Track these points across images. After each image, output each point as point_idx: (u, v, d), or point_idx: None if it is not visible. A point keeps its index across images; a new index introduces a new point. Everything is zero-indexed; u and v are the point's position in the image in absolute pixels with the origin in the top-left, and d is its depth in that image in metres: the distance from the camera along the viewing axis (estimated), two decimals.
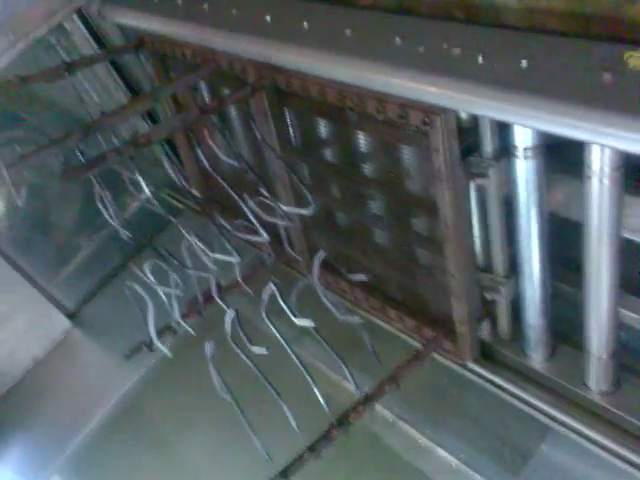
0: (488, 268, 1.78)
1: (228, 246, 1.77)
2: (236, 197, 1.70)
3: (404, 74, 1.45)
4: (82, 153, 1.81)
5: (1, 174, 1.69)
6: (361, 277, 1.71)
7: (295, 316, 1.59)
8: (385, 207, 1.89)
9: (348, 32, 1.67)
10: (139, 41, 2.22)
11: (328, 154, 1.96)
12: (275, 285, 1.60)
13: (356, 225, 2.06)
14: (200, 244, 1.86)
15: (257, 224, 1.76)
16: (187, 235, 1.74)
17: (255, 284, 2.27)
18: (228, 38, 1.89)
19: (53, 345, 2.71)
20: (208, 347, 1.60)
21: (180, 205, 2.97)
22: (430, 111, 1.44)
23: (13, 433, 2.48)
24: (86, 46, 2.60)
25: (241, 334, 1.57)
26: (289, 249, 2.19)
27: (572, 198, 1.55)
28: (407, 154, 1.67)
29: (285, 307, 1.58)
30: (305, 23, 1.79)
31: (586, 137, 1.19)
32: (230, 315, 1.60)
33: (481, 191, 1.63)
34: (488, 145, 1.53)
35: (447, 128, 1.44)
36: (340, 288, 2.23)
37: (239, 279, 2.03)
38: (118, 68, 2.77)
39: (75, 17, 2.51)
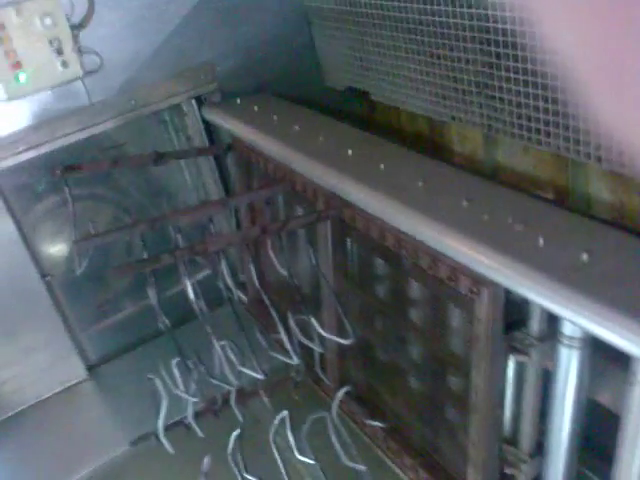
0: (513, 441, 1.71)
1: (255, 363, 1.79)
2: (274, 314, 1.74)
3: (458, 238, 1.49)
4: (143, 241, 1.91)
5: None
6: (378, 424, 1.68)
7: (299, 450, 1.58)
8: (422, 355, 1.88)
9: (420, 184, 1.75)
10: (229, 145, 2.37)
11: (379, 291, 1.99)
12: (289, 412, 1.60)
13: (391, 364, 2.04)
14: (231, 354, 1.89)
15: (290, 343, 1.78)
16: (218, 347, 1.77)
17: (280, 394, 2.28)
18: (306, 162, 2.00)
19: (62, 389, 2.70)
20: (205, 462, 1.59)
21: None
22: (479, 281, 1.45)
23: None
24: (195, 131, 2.71)
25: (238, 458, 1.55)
26: (320, 371, 2.18)
27: (614, 392, 1.50)
28: (452, 312, 1.67)
29: (291, 439, 1.58)
30: (382, 165, 1.88)
31: (633, 351, 1.17)
32: (235, 434, 1.60)
33: (520, 365, 1.60)
34: (535, 324, 1.52)
35: (494, 301, 1.45)
36: (361, 419, 2.19)
37: (261, 391, 2.04)
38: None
39: (193, 102, 2.67)
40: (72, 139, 2.41)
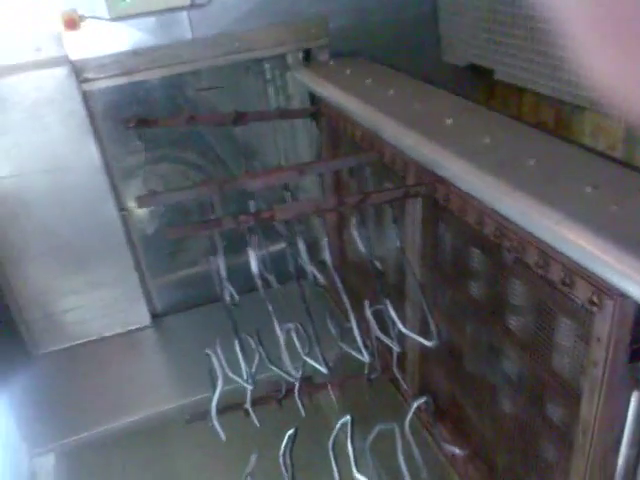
0: None
1: (319, 354, 1.53)
2: (346, 301, 1.47)
3: (578, 230, 1.14)
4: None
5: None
6: (455, 450, 1.38)
7: (359, 465, 1.32)
8: (519, 372, 1.54)
9: (532, 162, 1.41)
10: (316, 109, 2.11)
11: (473, 288, 1.66)
12: (356, 415, 1.34)
13: (480, 377, 1.72)
14: (296, 339, 1.65)
15: (361, 337, 1.51)
16: (279, 331, 1.53)
17: (350, 390, 2.02)
18: (397, 130, 1.70)
19: (123, 331, 2.62)
20: (252, 461, 1.37)
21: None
22: (603, 289, 1.10)
23: (33, 393, 2.36)
24: (296, 90, 2.55)
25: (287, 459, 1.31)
26: (398, 372, 1.89)
27: None
28: (563, 325, 1.32)
29: (350, 452, 1.32)
30: (488, 138, 1.55)
31: None
32: (289, 433, 1.36)
33: None
34: None
35: (620, 318, 1.10)
36: (441, 434, 1.89)
37: (329, 385, 1.79)
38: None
39: (300, 56, 2.50)
40: (168, 71, 2.33)
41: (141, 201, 1.54)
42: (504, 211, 1.33)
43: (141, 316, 2.65)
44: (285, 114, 2.24)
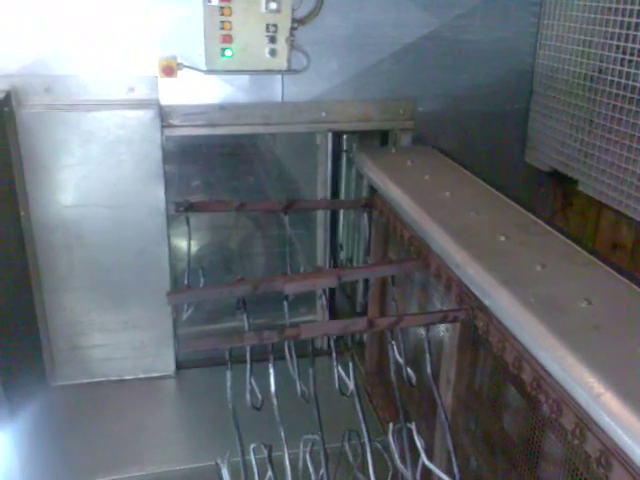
0: None
1: None
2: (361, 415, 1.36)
3: (625, 407, 1.00)
4: None
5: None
6: None
7: None
8: None
9: (584, 304, 1.28)
10: (369, 201, 2.04)
11: (507, 426, 1.52)
12: None
13: None
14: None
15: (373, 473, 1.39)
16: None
17: None
18: (445, 243, 1.60)
19: (145, 377, 2.57)
20: None
21: None
22: None
23: (43, 427, 2.30)
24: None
25: None
26: None
27: None
28: None
29: None
30: (540, 266, 1.43)
31: None
32: None
33: None
34: None
35: None
36: None
37: None
38: None
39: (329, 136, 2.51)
40: (251, 129, 2.39)
41: (171, 297, 1.51)
42: (543, 361, 1.20)
43: (166, 364, 2.62)
44: (337, 204, 2.19)
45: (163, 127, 2.29)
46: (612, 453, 1.02)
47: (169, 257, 2.45)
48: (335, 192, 2.60)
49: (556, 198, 2.61)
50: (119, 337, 2.53)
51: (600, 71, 2.18)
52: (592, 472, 1.14)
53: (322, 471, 1.48)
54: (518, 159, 2.66)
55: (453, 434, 1.46)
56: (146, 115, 2.27)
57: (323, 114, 2.39)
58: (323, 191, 2.45)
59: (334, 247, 2.76)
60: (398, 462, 1.48)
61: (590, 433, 1.07)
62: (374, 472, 1.43)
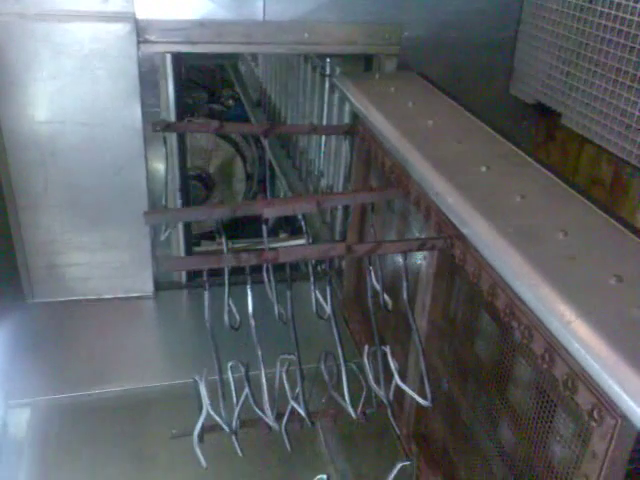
0: None
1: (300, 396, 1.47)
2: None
3: (593, 333, 1.04)
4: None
5: None
6: None
7: None
8: (513, 447, 1.45)
9: (561, 235, 1.30)
10: (350, 127, 2.02)
11: (479, 352, 1.57)
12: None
13: (475, 436, 1.63)
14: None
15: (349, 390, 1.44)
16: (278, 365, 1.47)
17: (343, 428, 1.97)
18: (426, 171, 1.60)
19: (124, 296, 2.58)
20: None
21: None
22: (605, 405, 1.01)
23: (21, 343, 2.30)
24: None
25: None
26: (391, 415, 1.81)
27: None
28: (562, 422, 1.23)
29: None
30: (520, 197, 1.44)
31: None
32: None
33: None
34: None
35: (620, 440, 1.00)
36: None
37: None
38: None
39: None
40: (232, 49, 2.31)
41: (148, 217, 1.50)
42: (517, 289, 1.23)
43: (145, 284, 2.61)
44: (318, 130, 2.15)
45: (139, 43, 2.20)
46: (578, 376, 1.06)
47: (147, 178, 2.41)
48: None
49: (539, 131, 2.60)
50: (97, 257, 2.52)
51: (590, 1, 2.13)
52: (558, 394, 1.19)
53: (298, 389, 1.53)
54: (503, 90, 2.63)
55: (426, 357, 1.50)
56: (122, 29, 2.17)
57: (306, 35, 2.30)
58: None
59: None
60: (372, 383, 1.53)
61: (559, 358, 1.11)
62: (349, 392, 1.48)
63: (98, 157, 2.32)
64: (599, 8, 2.07)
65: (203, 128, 1.95)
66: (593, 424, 1.03)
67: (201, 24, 2.22)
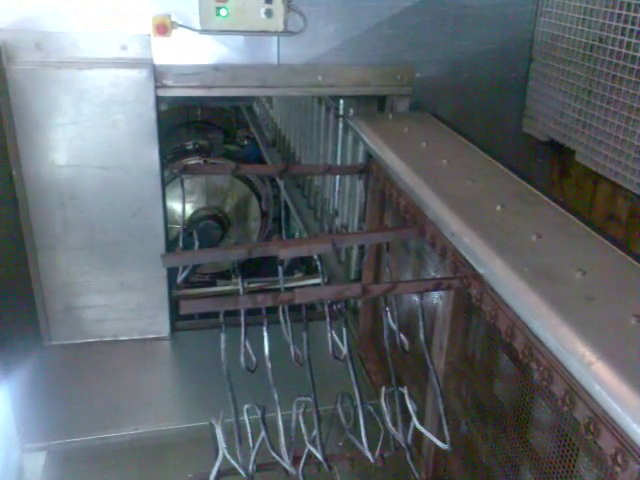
0: None
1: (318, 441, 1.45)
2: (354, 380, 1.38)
3: (615, 375, 1.02)
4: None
5: None
6: None
7: None
8: None
9: (579, 275, 1.29)
10: (365, 167, 2.03)
11: (498, 392, 1.55)
12: None
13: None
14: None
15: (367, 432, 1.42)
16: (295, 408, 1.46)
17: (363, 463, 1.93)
18: (441, 210, 1.60)
19: (139, 338, 2.59)
20: None
21: None
22: (628, 449, 0.98)
23: (38, 386, 2.30)
24: None
25: None
26: (409, 458, 1.78)
27: None
28: (585, 466, 1.20)
29: None
30: (537, 236, 1.44)
31: None
32: None
33: None
34: None
35: None
36: None
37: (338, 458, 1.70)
38: None
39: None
40: (246, 92, 2.37)
41: (165, 259, 1.51)
42: (536, 330, 1.21)
43: (161, 326, 2.63)
44: (333, 170, 2.17)
45: (157, 87, 2.26)
46: (601, 420, 1.04)
47: (164, 219, 2.44)
48: None
49: (553, 169, 2.61)
50: (114, 298, 2.54)
51: (600, 40, 2.15)
52: (580, 438, 1.17)
53: (315, 432, 1.51)
54: (516, 128, 2.65)
55: (444, 399, 1.48)
56: (139, 74, 2.23)
57: (319, 78, 2.35)
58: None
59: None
60: (390, 425, 1.51)
61: (580, 400, 1.09)
62: (366, 435, 1.46)
63: (116, 200, 2.37)
64: (609, 47, 2.09)
65: (220, 170, 1.98)
66: (617, 469, 1.01)
67: (216, 68, 2.28)
